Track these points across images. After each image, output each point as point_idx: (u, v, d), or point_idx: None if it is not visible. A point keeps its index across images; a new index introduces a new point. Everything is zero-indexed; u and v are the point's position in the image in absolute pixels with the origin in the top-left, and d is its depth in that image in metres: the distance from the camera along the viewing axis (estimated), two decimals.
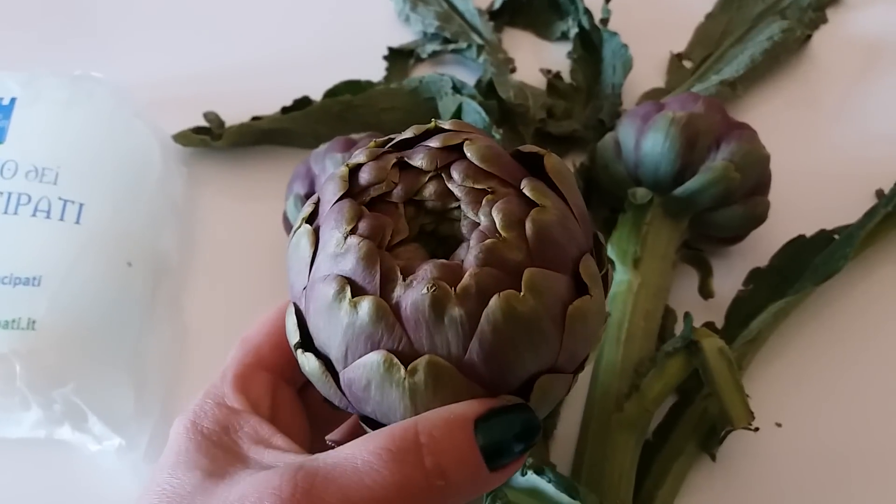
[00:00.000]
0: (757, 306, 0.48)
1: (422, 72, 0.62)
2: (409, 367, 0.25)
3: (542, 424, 0.27)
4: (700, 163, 0.46)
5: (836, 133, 0.59)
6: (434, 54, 0.63)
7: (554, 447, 0.45)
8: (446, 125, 0.29)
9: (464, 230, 0.28)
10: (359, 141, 0.49)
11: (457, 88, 0.55)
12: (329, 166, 0.48)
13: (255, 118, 0.57)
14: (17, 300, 0.44)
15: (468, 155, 0.28)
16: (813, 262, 0.49)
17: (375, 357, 0.26)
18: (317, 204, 0.29)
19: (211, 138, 0.56)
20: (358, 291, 0.26)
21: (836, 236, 0.50)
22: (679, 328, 0.46)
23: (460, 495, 0.26)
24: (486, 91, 0.57)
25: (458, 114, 0.52)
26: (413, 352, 0.26)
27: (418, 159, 0.28)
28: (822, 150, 0.58)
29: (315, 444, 0.31)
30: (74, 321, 0.45)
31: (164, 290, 0.50)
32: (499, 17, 0.65)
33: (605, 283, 0.29)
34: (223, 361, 0.32)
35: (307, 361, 0.28)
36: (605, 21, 0.60)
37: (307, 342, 0.28)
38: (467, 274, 0.26)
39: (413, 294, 0.25)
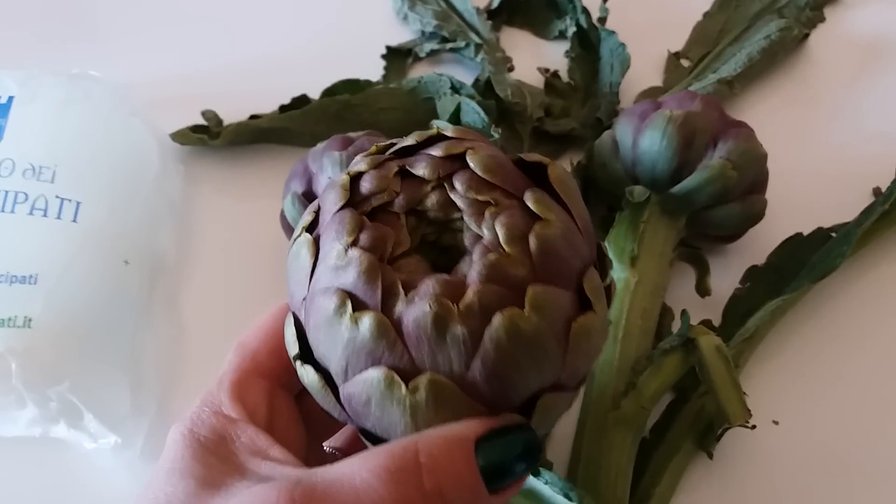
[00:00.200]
0: (754, 304, 0.48)
1: (420, 71, 0.62)
2: (410, 385, 0.25)
3: (543, 445, 0.26)
4: (697, 161, 0.46)
5: (834, 131, 0.59)
6: (432, 53, 0.63)
7: (551, 444, 0.45)
8: (449, 132, 0.29)
9: (466, 242, 0.27)
10: (356, 140, 0.49)
11: (455, 88, 0.55)
12: (327, 165, 0.48)
13: (253, 117, 0.57)
14: (13, 298, 0.44)
15: (471, 165, 0.27)
16: (810, 260, 0.49)
17: (376, 373, 0.25)
18: (317, 212, 0.29)
19: (209, 137, 0.56)
20: (359, 306, 0.26)
21: (833, 234, 0.50)
22: (676, 326, 0.46)
23: None
24: (484, 90, 0.57)
25: (456, 113, 0.52)
26: (414, 368, 0.25)
27: (420, 168, 0.28)
28: (819, 149, 0.58)
29: (312, 449, 0.31)
30: (71, 319, 0.45)
31: (161, 289, 0.50)
32: (497, 16, 0.65)
33: (609, 294, 0.29)
34: (220, 360, 0.31)
35: (306, 374, 0.28)
36: (602, 20, 0.60)
37: (306, 354, 0.28)
38: (470, 291, 0.25)
39: (415, 311, 0.25)
